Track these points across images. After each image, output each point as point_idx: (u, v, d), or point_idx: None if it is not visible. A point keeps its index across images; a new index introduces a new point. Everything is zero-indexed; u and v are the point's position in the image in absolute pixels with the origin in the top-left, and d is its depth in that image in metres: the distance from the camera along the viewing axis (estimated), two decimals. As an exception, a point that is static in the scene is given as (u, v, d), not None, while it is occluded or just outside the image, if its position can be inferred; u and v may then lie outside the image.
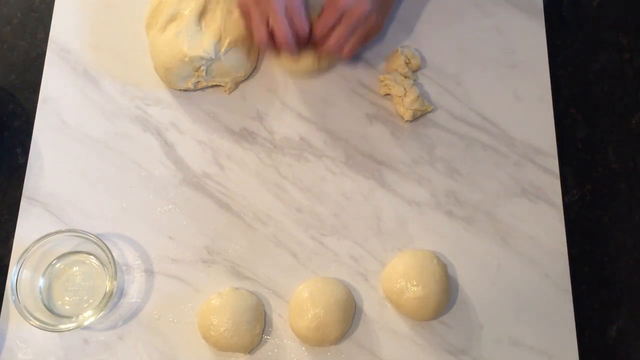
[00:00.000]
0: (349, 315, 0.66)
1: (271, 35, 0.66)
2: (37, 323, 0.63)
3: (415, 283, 0.65)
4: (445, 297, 0.66)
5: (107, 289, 0.65)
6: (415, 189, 0.71)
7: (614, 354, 0.68)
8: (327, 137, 0.73)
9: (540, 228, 0.70)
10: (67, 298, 0.68)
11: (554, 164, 0.72)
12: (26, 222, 0.70)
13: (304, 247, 0.70)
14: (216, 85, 0.74)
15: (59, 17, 0.77)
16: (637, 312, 0.69)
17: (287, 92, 0.75)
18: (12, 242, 0.70)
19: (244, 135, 0.73)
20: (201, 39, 0.70)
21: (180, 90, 0.74)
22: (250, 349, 0.66)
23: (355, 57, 0.74)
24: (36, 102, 0.74)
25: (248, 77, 0.75)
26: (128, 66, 0.75)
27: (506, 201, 0.71)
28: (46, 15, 0.79)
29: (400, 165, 0.72)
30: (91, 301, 0.67)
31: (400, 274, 0.66)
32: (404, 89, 0.72)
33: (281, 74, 0.75)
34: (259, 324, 0.66)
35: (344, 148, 0.73)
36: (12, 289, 0.64)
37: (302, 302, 0.65)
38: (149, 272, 0.69)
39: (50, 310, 0.67)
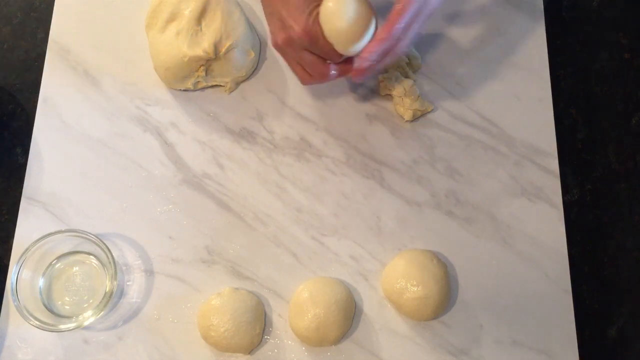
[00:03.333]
0: (349, 315, 0.66)
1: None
2: (37, 323, 0.63)
3: (415, 283, 0.65)
4: (445, 297, 0.66)
5: (107, 289, 0.65)
6: (415, 189, 0.71)
7: (614, 354, 0.68)
8: (327, 137, 0.73)
9: (540, 228, 0.70)
10: (67, 298, 0.68)
11: (554, 164, 0.72)
12: (26, 222, 0.70)
13: (304, 247, 0.70)
14: (216, 85, 0.74)
15: (59, 17, 0.77)
16: (637, 312, 0.69)
17: (287, 92, 0.74)
18: (12, 242, 0.70)
19: (244, 135, 0.73)
20: (201, 39, 0.70)
21: (180, 90, 0.74)
22: (251, 349, 0.66)
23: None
24: (36, 102, 0.74)
25: (248, 77, 0.75)
26: (128, 66, 0.75)
27: (506, 201, 0.71)
28: (46, 15, 0.79)
29: (400, 165, 0.72)
30: (91, 301, 0.67)
31: (400, 274, 0.66)
32: (404, 89, 0.72)
33: (281, 74, 0.75)
34: (259, 324, 0.66)
35: (344, 148, 0.73)
36: (12, 289, 0.64)
37: (302, 302, 0.65)
38: (149, 272, 0.69)
39: (50, 310, 0.67)
